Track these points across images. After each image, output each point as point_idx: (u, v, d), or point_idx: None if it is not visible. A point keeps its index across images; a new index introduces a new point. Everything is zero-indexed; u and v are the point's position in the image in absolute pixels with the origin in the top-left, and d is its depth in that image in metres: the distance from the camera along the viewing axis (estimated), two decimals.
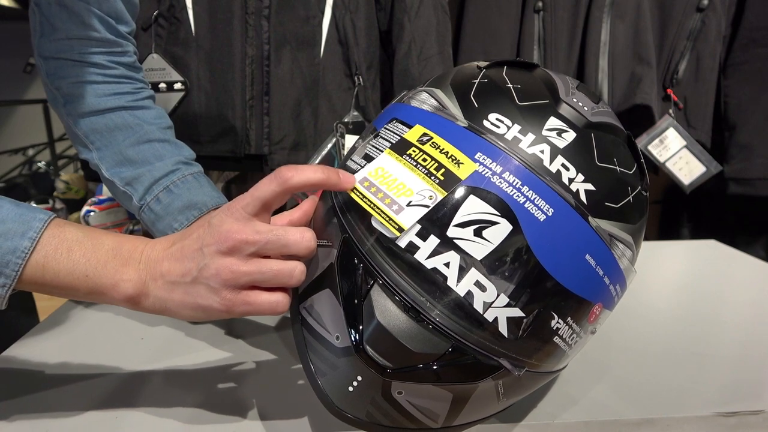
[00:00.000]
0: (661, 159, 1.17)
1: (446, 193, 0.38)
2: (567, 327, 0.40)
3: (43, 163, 3.42)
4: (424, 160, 0.40)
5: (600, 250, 0.39)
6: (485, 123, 0.40)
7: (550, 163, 0.39)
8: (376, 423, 0.41)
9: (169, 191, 0.60)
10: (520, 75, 0.45)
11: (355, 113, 1.05)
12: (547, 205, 0.38)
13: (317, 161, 1.03)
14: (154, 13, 1.00)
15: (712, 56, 1.17)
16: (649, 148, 1.16)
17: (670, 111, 1.17)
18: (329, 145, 1.04)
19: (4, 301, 0.42)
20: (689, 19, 1.14)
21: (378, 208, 0.39)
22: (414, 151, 0.41)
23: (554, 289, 0.38)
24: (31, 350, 0.64)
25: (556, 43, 1.15)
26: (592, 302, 0.40)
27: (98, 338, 0.66)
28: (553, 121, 0.41)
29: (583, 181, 0.39)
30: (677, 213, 1.48)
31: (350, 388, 0.41)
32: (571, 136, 0.41)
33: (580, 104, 0.43)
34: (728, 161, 1.20)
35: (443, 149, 0.40)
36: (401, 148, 0.41)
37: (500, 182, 0.38)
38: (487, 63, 0.47)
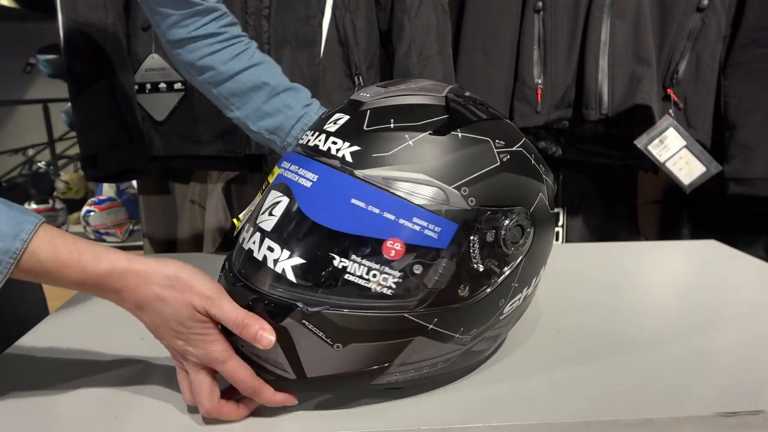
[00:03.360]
0: (661, 159, 1.17)
1: (261, 196, 0.54)
2: (357, 265, 0.48)
3: (43, 163, 3.42)
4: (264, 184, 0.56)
5: (369, 192, 0.48)
6: (302, 140, 0.55)
7: (324, 144, 0.51)
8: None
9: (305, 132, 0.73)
10: None
11: None
12: (312, 174, 0.50)
13: None
14: None
15: (712, 56, 1.17)
16: (649, 148, 1.16)
17: (670, 111, 1.17)
18: None
19: None
20: (689, 19, 1.14)
21: (237, 217, 0.58)
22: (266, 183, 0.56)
23: (326, 234, 0.48)
24: (31, 350, 0.64)
25: (556, 43, 1.15)
26: (380, 238, 0.47)
27: (98, 338, 0.66)
28: (334, 116, 0.53)
29: (349, 146, 0.50)
30: (677, 213, 1.48)
31: None
32: (343, 119, 0.52)
33: (364, 95, 0.55)
34: (728, 161, 1.20)
35: (273, 171, 0.55)
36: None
37: (286, 173, 0.52)
38: None
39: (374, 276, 0.48)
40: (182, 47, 0.74)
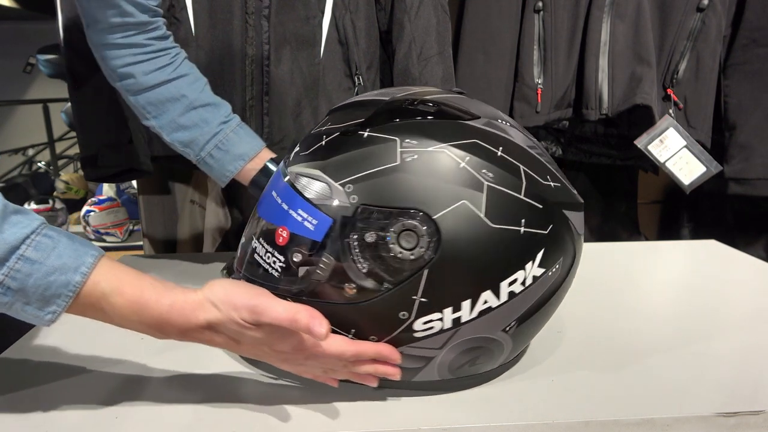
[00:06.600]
0: (661, 159, 1.17)
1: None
2: (260, 246, 0.54)
3: (43, 163, 3.42)
4: None
5: (282, 186, 0.54)
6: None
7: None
8: None
9: (219, 149, 0.76)
10: None
11: None
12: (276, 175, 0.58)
13: None
14: None
15: (712, 56, 1.17)
16: (649, 148, 1.16)
17: (670, 111, 1.16)
18: None
19: (52, 322, 0.46)
20: (689, 19, 1.14)
21: None
22: None
23: (255, 220, 0.57)
24: (32, 350, 0.64)
25: (556, 43, 1.15)
26: (275, 225, 0.53)
27: (98, 338, 0.66)
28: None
29: (297, 148, 0.56)
30: (677, 213, 1.48)
31: None
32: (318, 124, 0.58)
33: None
34: (728, 161, 1.19)
35: None
36: None
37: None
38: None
39: (268, 258, 0.53)
40: (106, 51, 0.73)
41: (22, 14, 3.15)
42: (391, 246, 0.48)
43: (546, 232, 0.51)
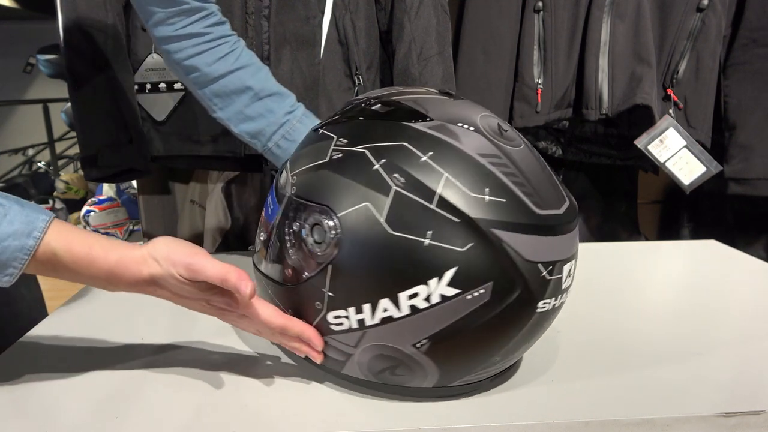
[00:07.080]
0: (661, 159, 1.17)
1: None
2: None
3: (43, 163, 3.42)
4: None
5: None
6: None
7: None
8: None
9: (285, 139, 0.77)
10: None
11: None
12: None
13: None
14: None
15: (712, 56, 1.17)
16: (649, 148, 1.16)
17: (670, 111, 1.16)
18: None
19: (11, 283, 0.49)
20: (689, 19, 1.14)
21: None
22: None
23: None
24: (31, 350, 0.64)
25: (556, 43, 1.15)
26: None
27: (98, 338, 0.66)
28: None
29: None
30: (677, 213, 1.48)
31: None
32: None
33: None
34: (728, 161, 1.19)
35: None
36: None
37: None
38: None
39: (257, 234, 0.60)
40: (168, 44, 0.74)
41: (22, 14, 3.16)
42: (306, 237, 0.51)
43: (461, 249, 0.46)
